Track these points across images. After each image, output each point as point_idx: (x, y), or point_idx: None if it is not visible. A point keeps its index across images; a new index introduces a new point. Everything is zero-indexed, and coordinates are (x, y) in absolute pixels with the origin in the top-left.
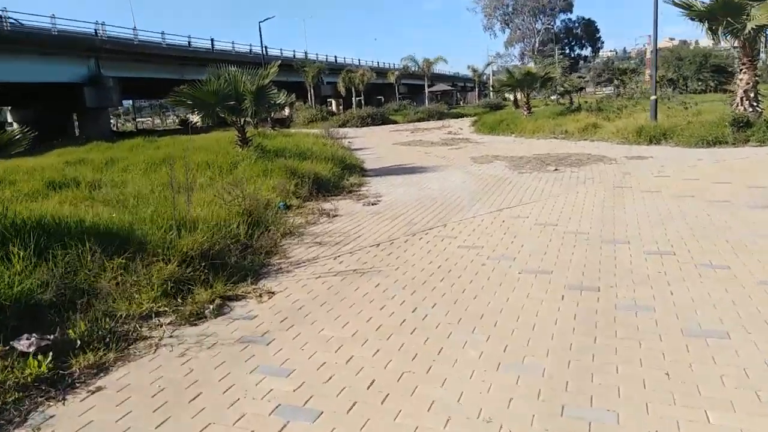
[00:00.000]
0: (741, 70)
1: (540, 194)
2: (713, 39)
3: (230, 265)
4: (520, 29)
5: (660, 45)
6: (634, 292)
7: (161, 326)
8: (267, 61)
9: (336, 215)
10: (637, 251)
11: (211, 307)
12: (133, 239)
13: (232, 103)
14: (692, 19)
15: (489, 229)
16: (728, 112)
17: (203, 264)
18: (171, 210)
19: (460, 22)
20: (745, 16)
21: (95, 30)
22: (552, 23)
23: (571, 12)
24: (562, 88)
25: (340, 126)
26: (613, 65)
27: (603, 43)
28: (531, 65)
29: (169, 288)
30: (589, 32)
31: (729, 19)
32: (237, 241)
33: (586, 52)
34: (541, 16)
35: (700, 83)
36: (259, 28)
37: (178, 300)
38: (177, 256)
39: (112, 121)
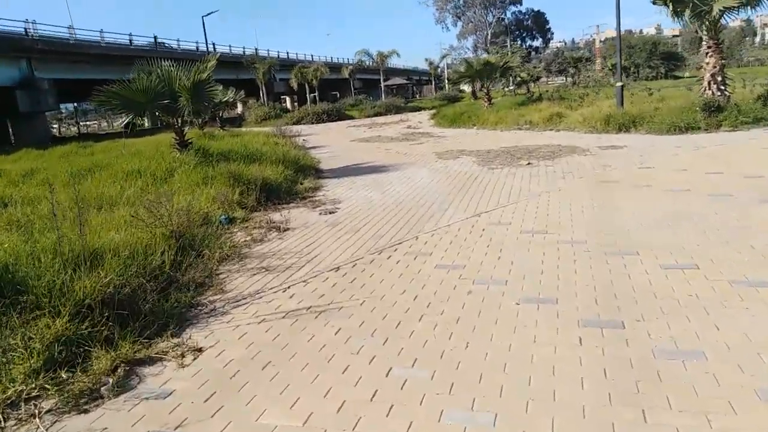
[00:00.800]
0: (707, 53)
1: (518, 194)
2: (679, 22)
3: (144, 312)
4: (472, 22)
5: (607, 35)
6: (669, 327)
7: (36, 417)
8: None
9: (287, 228)
10: (652, 265)
11: (111, 380)
12: (9, 284)
13: (166, 101)
14: (654, 3)
15: (468, 240)
16: (695, 97)
17: (106, 314)
18: (67, 243)
19: (412, 16)
20: None
21: (25, 29)
22: (503, 15)
23: (521, 4)
24: (519, 78)
25: (294, 123)
26: (563, 55)
27: (553, 34)
28: (485, 56)
29: (55, 353)
30: (539, 23)
31: (695, 1)
32: (159, 276)
33: (537, 43)
34: (492, 9)
35: (650, 70)
36: (203, 22)
37: (63, 374)
38: (69, 307)
39: (54, 125)
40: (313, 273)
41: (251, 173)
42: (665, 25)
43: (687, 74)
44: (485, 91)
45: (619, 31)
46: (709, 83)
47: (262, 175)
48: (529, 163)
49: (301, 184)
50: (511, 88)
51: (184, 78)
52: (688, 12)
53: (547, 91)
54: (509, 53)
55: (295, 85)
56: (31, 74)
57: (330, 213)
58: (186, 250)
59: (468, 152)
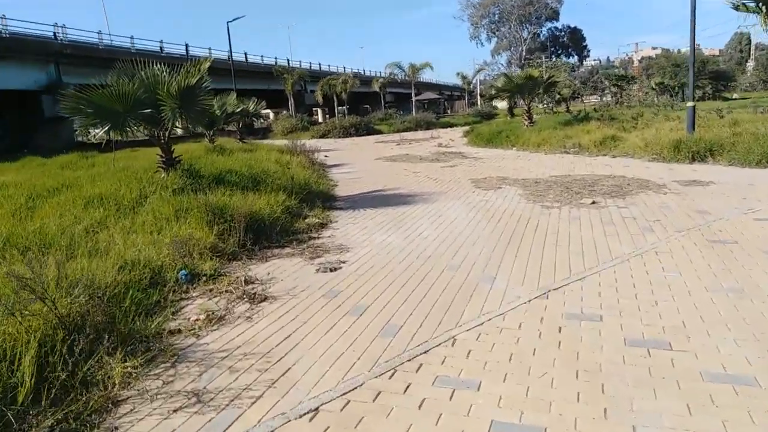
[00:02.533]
0: None
1: (594, 254)
2: None
3: None
4: (506, 38)
5: (644, 53)
6: None
7: None
8: (247, 69)
9: (265, 298)
10: None
11: None
12: None
13: (147, 111)
14: (737, 9)
15: (540, 355)
16: None
17: None
18: None
19: (445, 32)
20: None
21: (54, 33)
22: (539, 31)
23: (558, 20)
24: (559, 95)
25: (321, 137)
26: (598, 74)
27: (589, 51)
28: (528, 69)
29: None
30: (575, 40)
31: None
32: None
33: (573, 60)
34: (527, 25)
35: (698, 90)
36: (228, 29)
37: None
38: None
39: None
40: (272, 419)
41: (238, 205)
42: (705, 44)
43: (736, 95)
44: (526, 108)
45: (693, 42)
46: None
47: (252, 208)
48: (593, 202)
49: (305, 218)
50: (550, 105)
51: (174, 83)
52: None
53: (595, 110)
54: (545, 69)
55: (320, 98)
56: (59, 79)
57: (331, 270)
58: (83, 351)
59: (511, 181)
